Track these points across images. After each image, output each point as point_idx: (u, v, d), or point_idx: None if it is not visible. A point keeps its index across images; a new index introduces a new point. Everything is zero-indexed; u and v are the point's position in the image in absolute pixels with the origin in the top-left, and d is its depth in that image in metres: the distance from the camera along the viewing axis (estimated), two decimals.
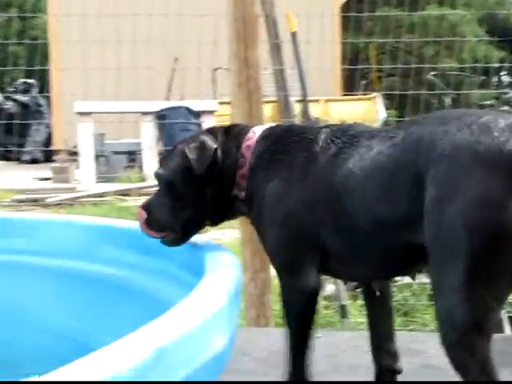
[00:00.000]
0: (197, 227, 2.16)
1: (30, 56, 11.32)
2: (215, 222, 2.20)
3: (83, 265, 2.59)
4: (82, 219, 2.93)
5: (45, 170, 11.13)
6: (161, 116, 9.43)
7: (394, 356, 2.18)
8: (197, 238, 2.16)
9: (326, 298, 4.86)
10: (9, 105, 13.53)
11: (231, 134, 2.19)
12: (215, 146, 2.11)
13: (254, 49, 3.52)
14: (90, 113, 9.52)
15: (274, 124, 2.27)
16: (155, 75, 11.27)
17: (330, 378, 2.42)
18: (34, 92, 13.82)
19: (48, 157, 12.28)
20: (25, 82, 14.14)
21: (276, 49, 3.86)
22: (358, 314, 4.45)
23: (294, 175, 2.04)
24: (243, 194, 2.12)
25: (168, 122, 9.12)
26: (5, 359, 2.42)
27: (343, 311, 4.23)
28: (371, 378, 2.39)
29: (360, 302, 4.52)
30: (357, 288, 4.76)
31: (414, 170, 1.76)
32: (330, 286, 5.00)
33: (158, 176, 2.17)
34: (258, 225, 2.11)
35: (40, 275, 2.81)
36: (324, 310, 4.63)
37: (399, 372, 2.18)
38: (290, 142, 2.10)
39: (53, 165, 10.82)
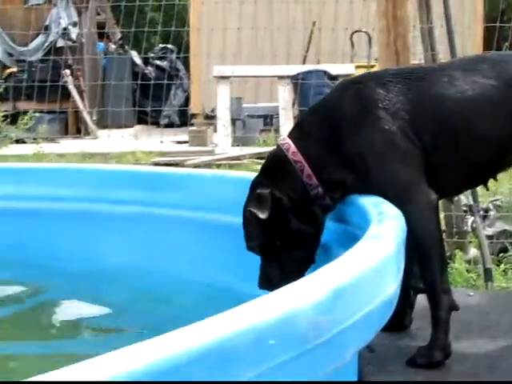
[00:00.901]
0: (312, 257, 2.20)
1: (168, 21, 11.56)
2: (319, 240, 2.20)
3: (235, 218, 2.64)
4: (233, 173, 2.99)
5: (182, 134, 11.38)
6: (298, 79, 9.45)
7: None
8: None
9: (468, 262, 4.80)
10: (148, 70, 13.89)
11: (273, 162, 2.25)
12: (267, 190, 2.14)
13: (404, 7, 3.47)
14: (228, 77, 9.64)
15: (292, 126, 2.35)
16: (292, 38, 11.30)
17: (484, 336, 2.39)
18: (173, 57, 14.10)
19: (185, 121, 12.54)
20: (163, 47, 14.45)
21: (425, 6, 3.79)
22: (502, 278, 4.37)
23: (371, 124, 2.14)
24: (320, 189, 2.16)
25: (305, 83, 9.12)
26: (167, 315, 2.50)
27: (488, 275, 4.16)
28: None
29: (503, 266, 4.44)
30: (501, 252, 4.68)
31: None
32: (472, 250, 4.93)
33: (252, 250, 2.24)
34: (363, 181, 2.14)
35: (192, 229, 2.89)
36: (466, 274, 4.56)
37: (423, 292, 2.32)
38: (341, 110, 2.20)
39: (190, 128, 11.05)
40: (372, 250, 1.44)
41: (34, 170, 3.36)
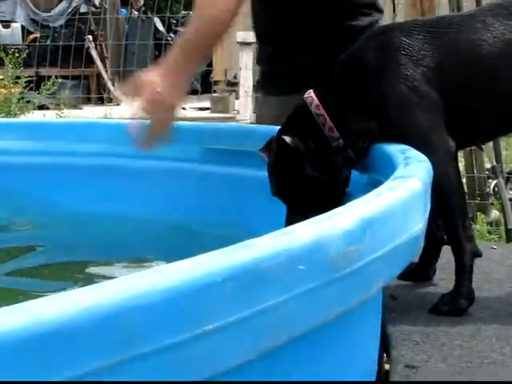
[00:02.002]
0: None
1: None
2: (339, 193, 2.22)
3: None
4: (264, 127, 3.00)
5: (206, 101, 11.40)
6: None
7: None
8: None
9: (490, 224, 4.83)
10: (171, 37, 13.90)
11: (296, 115, 2.27)
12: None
13: None
14: (251, 43, 9.63)
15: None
16: None
17: (505, 286, 2.43)
18: None
19: (208, 88, 12.55)
20: (186, 14, 14.44)
21: None
22: None
23: (394, 70, 2.15)
24: (341, 141, 2.19)
25: None
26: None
27: (510, 235, 4.19)
28: None
29: None
30: None
31: None
32: (494, 212, 4.96)
33: (275, 195, 2.28)
34: (385, 128, 2.17)
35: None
36: (488, 235, 4.60)
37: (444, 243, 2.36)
38: (365, 60, 2.20)
39: (212, 95, 11.08)
40: (400, 187, 1.48)
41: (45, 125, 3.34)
